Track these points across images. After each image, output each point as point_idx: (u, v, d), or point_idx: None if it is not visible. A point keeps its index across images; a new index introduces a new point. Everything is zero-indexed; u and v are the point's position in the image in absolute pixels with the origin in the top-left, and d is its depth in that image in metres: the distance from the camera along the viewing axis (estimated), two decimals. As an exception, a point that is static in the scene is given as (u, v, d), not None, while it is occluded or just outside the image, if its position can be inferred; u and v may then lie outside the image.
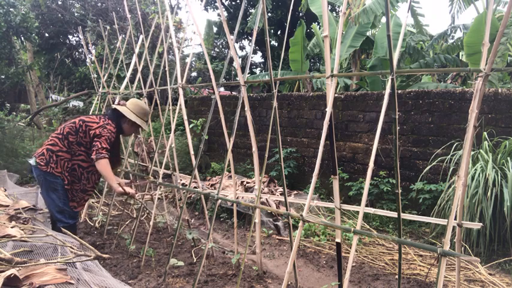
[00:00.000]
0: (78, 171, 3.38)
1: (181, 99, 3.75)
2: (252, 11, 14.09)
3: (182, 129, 8.24)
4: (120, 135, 3.74)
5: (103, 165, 3.17)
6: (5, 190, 3.61)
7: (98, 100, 5.67)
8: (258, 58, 17.60)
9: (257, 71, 17.03)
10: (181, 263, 3.37)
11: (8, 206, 2.98)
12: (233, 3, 15.82)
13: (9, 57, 9.06)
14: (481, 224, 2.50)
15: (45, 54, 13.06)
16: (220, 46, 17.23)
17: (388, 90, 2.30)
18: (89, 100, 11.16)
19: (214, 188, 5.84)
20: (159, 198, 5.24)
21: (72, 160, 3.34)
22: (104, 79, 5.44)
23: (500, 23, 2.03)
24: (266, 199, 4.79)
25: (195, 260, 3.80)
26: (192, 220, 5.22)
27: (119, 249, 4.06)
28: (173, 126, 3.98)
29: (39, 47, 12.33)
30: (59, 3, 11.74)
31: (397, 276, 3.46)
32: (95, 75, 6.52)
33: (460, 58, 8.91)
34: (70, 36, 12.98)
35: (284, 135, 6.84)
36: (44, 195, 3.34)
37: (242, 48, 17.46)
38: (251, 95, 7.91)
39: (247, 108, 3.13)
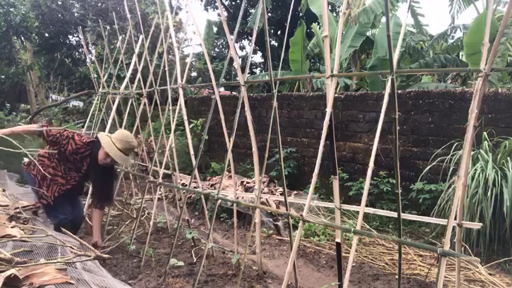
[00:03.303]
0: (48, 179, 3.38)
1: (181, 99, 3.75)
2: (252, 11, 14.09)
3: (182, 129, 8.23)
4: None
5: (32, 126, 3.42)
6: (4, 190, 3.61)
7: (98, 100, 5.67)
8: (258, 58, 17.60)
9: (257, 71, 17.02)
10: (181, 263, 3.37)
11: (7, 206, 2.98)
12: (233, 3, 15.81)
13: (9, 57, 9.06)
14: (481, 224, 2.50)
15: (45, 54, 13.05)
16: (220, 46, 17.23)
17: (388, 90, 2.30)
18: (88, 100, 11.16)
19: (214, 188, 5.84)
20: (159, 199, 5.24)
21: (48, 168, 3.36)
22: (104, 79, 5.44)
23: (500, 23, 2.03)
24: (266, 199, 4.79)
25: (195, 260, 3.80)
26: (192, 220, 5.22)
27: (119, 249, 4.05)
28: (173, 126, 3.98)
29: (39, 47, 12.32)
30: (59, 3, 11.73)
31: (397, 276, 3.46)
32: (95, 75, 6.52)
33: (460, 58, 8.91)
34: (70, 36, 12.96)
35: (284, 135, 6.83)
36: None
37: (242, 48, 17.47)
38: (251, 95, 7.90)
39: (247, 108, 3.13)
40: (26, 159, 3.46)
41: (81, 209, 3.81)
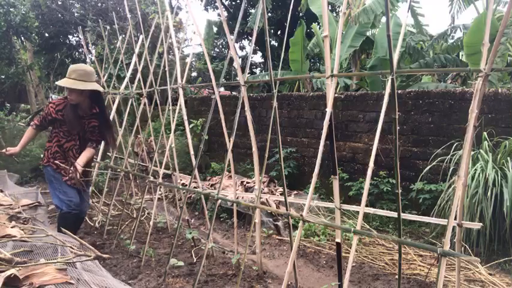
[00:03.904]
0: (60, 151, 3.53)
1: (181, 99, 3.75)
2: (252, 11, 14.09)
3: (182, 129, 8.24)
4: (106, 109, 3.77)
5: (27, 131, 3.61)
6: (1, 191, 3.61)
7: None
8: (258, 58, 17.59)
9: (257, 71, 17.02)
10: (181, 263, 3.37)
11: (10, 204, 2.98)
12: (233, 3, 15.81)
13: (9, 57, 9.06)
14: (481, 224, 2.50)
15: (45, 54, 13.04)
16: (220, 46, 17.22)
17: (388, 90, 2.30)
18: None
19: (214, 188, 5.84)
20: (159, 199, 5.24)
21: (53, 147, 3.54)
22: (104, 79, 5.44)
23: (500, 23, 2.03)
24: (266, 199, 4.79)
25: (195, 260, 3.80)
26: (192, 220, 5.22)
27: (119, 249, 4.06)
28: (173, 126, 3.98)
29: (39, 47, 12.31)
30: (59, 3, 11.72)
31: (397, 276, 3.46)
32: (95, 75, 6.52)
33: (460, 58, 8.91)
34: (70, 36, 12.94)
35: (284, 135, 6.83)
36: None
37: (242, 48, 17.46)
38: (251, 95, 7.90)
39: (247, 108, 3.13)
40: (42, 155, 3.68)
41: (87, 205, 3.85)
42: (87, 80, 3.41)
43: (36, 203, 3.10)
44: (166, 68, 3.99)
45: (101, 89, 3.58)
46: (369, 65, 8.29)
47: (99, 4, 11.72)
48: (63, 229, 2.73)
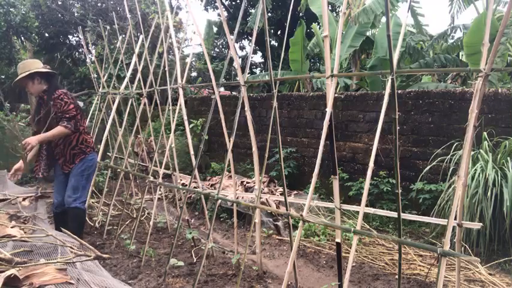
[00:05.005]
0: (45, 149, 3.58)
1: (181, 99, 3.75)
2: (252, 11, 14.09)
3: (182, 129, 8.23)
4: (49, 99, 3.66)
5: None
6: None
7: (98, 100, 5.67)
8: (258, 58, 17.58)
9: (257, 71, 17.01)
10: (181, 263, 3.37)
11: (8, 199, 2.99)
12: (233, 3, 15.81)
13: (9, 57, 9.06)
14: (481, 224, 2.50)
15: (45, 54, 13.02)
16: (220, 46, 17.21)
17: (388, 90, 2.30)
18: (89, 100, 11.15)
19: (214, 188, 5.84)
20: (159, 199, 5.24)
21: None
22: (104, 79, 5.44)
23: (500, 23, 2.03)
24: (266, 199, 4.79)
25: (195, 260, 3.80)
26: (192, 220, 5.22)
27: (119, 249, 4.06)
28: (173, 126, 3.98)
29: (39, 47, 12.30)
30: (59, 3, 11.71)
31: (397, 276, 3.46)
32: (95, 75, 6.52)
33: (460, 58, 8.91)
34: (70, 36, 12.93)
35: (284, 135, 6.83)
36: None
37: (242, 48, 17.45)
38: (251, 95, 7.90)
39: (247, 108, 3.13)
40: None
41: (76, 197, 3.55)
42: (26, 70, 3.47)
43: (37, 195, 3.11)
44: (166, 68, 3.98)
45: (40, 70, 3.49)
46: (369, 65, 8.29)
47: (99, 4, 11.72)
48: (63, 229, 2.73)
